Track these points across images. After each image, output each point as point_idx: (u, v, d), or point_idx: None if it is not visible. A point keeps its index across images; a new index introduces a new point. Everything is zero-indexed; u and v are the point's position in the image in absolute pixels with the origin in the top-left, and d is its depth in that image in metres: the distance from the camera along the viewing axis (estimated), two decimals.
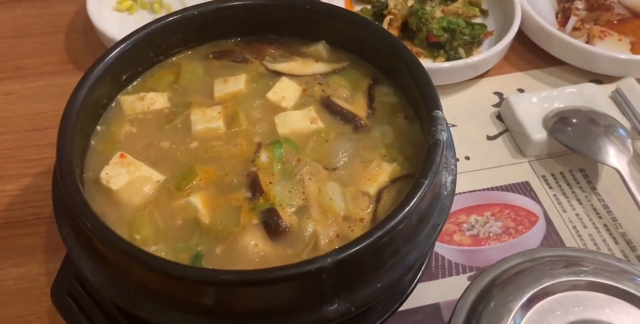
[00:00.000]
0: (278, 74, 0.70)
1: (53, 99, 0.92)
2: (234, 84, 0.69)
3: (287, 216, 0.58)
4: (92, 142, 0.65)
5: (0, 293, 0.71)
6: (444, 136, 0.58)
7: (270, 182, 0.61)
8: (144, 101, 0.67)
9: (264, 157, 0.63)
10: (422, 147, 0.62)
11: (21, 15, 1.06)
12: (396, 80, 0.69)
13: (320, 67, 0.71)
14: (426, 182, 0.54)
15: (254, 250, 0.56)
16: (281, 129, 0.65)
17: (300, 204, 0.59)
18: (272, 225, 0.57)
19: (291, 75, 0.70)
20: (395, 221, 0.51)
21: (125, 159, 0.62)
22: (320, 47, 0.72)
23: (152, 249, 0.56)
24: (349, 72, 0.71)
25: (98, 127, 0.66)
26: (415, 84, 0.63)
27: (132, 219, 0.58)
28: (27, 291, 0.71)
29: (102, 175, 0.60)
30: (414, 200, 0.52)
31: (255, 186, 0.60)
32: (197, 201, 0.59)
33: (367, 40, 0.69)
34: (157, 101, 0.68)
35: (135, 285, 0.53)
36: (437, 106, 0.60)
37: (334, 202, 0.59)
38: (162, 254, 0.55)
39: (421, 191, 0.53)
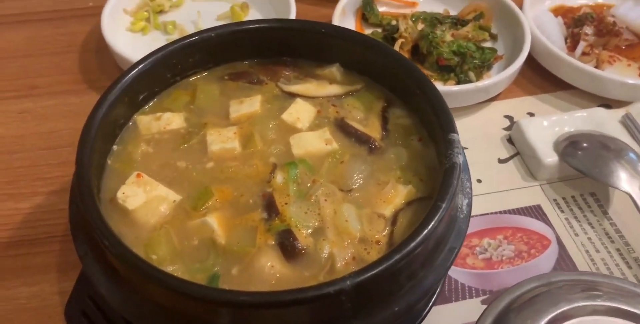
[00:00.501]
0: (293, 96, 0.71)
1: (66, 118, 0.93)
2: (250, 105, 0.70)
3: (303, 237, 0.58)
4: (109, 162, 0.65)
5: (12, 311, 0.70)
6: (460, 159, 0.58)
7: (286, 203, 0.61)
8: (160, 121, 0.68)
9: (279, 178, 0.63)
10: (437, 169, 0.63)
11: (35, 35, 1.07)
12: (410, 102, 0.69)
13: (334, 89, 0.72)
14: (444, 205, 0.54)
15: (270, 271, 0.56)
16: (296, 150, 0.66)
17: (316, 225, 0.59)
18: (288, 246, 0.57)
19: (306, 97, 0.71)
20: (414, 243, 0.51)
21: (142, 179, 0.62)
22: (334, 70, 0.73)
23: (169, 269, 0.56)
24: (363, 95, 0.72)
25: (114, 147, 0.66)
26: (430, 107, 0.63)
27: (148, 239, 0.59)
28: (40, 310, 0.70)
29: (119, 194, 0.61)
30: (432, 223, 0.53)
31: (271, 207, 0.61)
32: (213, 221, 0.59)
33: (381, 63, 0.70)
34: (174, 121, 0.68)
35: (153, 305, 0.53)
36: (453, 129, 0.60)
37: (350, 224, 0.59)
38: (179, 274, 0.55)
39: (439, 214, 0.53)
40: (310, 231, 0.59)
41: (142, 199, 0.61)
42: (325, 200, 0.61)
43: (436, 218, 0.53)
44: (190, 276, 0.55)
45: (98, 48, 1.05)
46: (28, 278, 0.73)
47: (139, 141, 0.67)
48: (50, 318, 0.69)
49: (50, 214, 0.80)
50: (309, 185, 0.63)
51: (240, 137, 0.67)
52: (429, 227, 0.52)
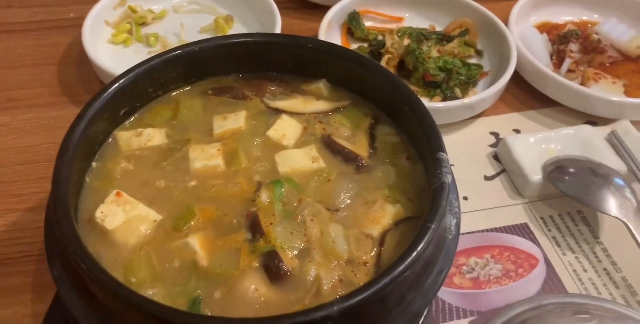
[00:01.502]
0: (278, 112, 0.70)
1: (44, 132, 0.91)
2: (234, 121, 0.68)
3: (289, 259, 0.57)
4: (87, 179, 0.63)
5: None
6: (449, 179, 0.57)
7: (271, 223, 0.59)
8: (141, 137, 0.66)
9: (264, 197, 0.61)
10: (425, 188, 0.62)
11: (14, 46, 1.05)
12: (398, 120, 0.69)
13: (321, 106, 0.71)
14: (432, 226, 0.53)
15: (255, 295, 0.54)
16: (282, 167, 0.64)
17: (302, 246, 0.58)
18: (273, 269, 0.56)
19: (292, 113, 0.69)
20: (402, 266, 0.50)
21: (122, 198, 0.60)
22: (321, 85, 0.72)
23: (149, 292, 0.54)
24: (350, 111, 0.71)
25: (93, 164, 0.64)
26: (419, 125, 0.62)
27: (127, 261, 0.57)
28: None
29: (97, 214, 0.58)
30: (421, 245, 0.51)
31: (255, 227, 0.59)
32: (195, 242, 0.58)
33: (369, 80, 0.69)
34: (155, 137, 0.66)
35: None
36: (441, 148, 0.59)
37: (337, 245, 0.58)
38: (159, 298, 0.53)
39: (428, 235, 0.52)
40: (296, 252, 0.57)
41: (122, 218, 0.59)
42: (312, 220, 0.60)
43: (425, 240, 0.52)
44: (170, 300, 0.53)
45: (79, 60, 1.03)
46: (1, 300, 0.70)
47: (119, 158, 0.65)
48: None
49: (26, 232, 0.77)
50: (295, 204, 0.61)
51: (224, 155, 0.65)
52: (418, 249, 0.51)
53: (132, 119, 0.69)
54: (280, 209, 0.60)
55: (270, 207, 0.61)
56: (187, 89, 0.72)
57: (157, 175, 0.64)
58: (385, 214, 0.61)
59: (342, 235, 0.59)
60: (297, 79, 0.73)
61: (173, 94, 0.71)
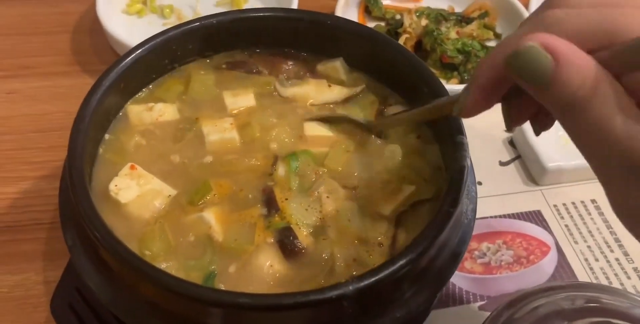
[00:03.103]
0: (289, 101, 0.68)
1: (57, 100, 0.90)
2: (245, 99, 0.67)
3: (303, 236, 0.57)
4: (101, 151, 0.62)
5: None
6: (468, 163, 0.57)
7: (287, 199, 0.59)
8: (152, 112, 0.65)
9: (281, 170, 0.61)
10: (441, 170, 0.62)
11: (28, 13, 1.03)
12: (413, 100, 0.67)
13: (334, 94, 0.69)
14: (450, 210, 0.52)
15: (269, 271, 0.54)
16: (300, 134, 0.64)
17: (317, 224, 0.58)
18: (288, 245, 0.55)
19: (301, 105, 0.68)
20: (419, 249, 0.49)
21: (136, 171, 0.60)
22: (338, 65, 0.70)
23: (163, 266, 0.54)
24: (365, 98, 0.69)
25: (106, 136, 0.64)
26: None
27: (141, 234, 0.56)
28: (24, 299, 0.68)
29: (111, 186, 0.58)
30: (438, 229, 0.51)
31: (270, 203, 0.59)
32: (211, 216, 0.57)
33: (388, 60, 0.67)
34: (166, 112, 0.65)
35: (144, 302, 0.51)
36: (461, 131, 0.59)
37: (352, 224, 0.57)
38: (173, 272, 0.52)
39: (445, 219, 0.52)
40: (311, 229, 0.57)
41: (136, 192, 0.58)
42: (328, 197, 0.59)
43: (442, 223, 0.51)
44: (185, 274, 0.53)
45: (92, 29, 1.01)
46: (12, 266, 0.70)
47: (133, 132, 0.64)
48: (35, 309, 0.67)
49: (38, 200, 0.77)
50: (312, 179, 0.60)
51: (238, 128, 0.64)
52: (435, 232, 0.51)
53: (143, 92, 0.68)
54: (296, 184, 0.60)
55: (286, 181, 0.60)
56: (201, 62, 0.70)
57: (171, 150, 0.63)
58: (400, 195, 0.60)
59: (358, 214, 0.58)
60: (314, 57, 0.71)
61: (186, 67, 0.70)
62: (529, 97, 0.39)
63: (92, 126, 0.58)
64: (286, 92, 0.68)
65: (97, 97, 0.60)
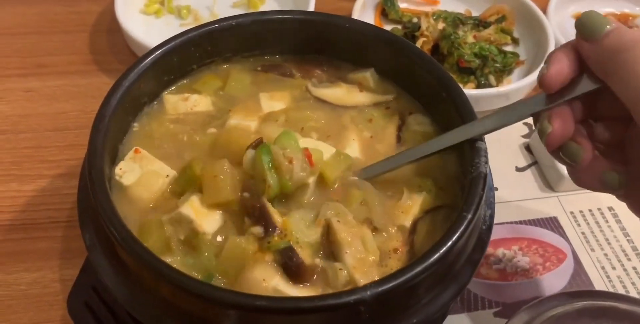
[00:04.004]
0: (319, 101, 0.68)
1: (74, 99, 0.90)
2: (279, 101, 0.68)
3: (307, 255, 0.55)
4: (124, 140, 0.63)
5: (13, 297, 0.68)
6: (486, 168, 0.56)
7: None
8: (187, 102, 0.67)
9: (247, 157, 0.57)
10: (457, 177, 0.61)
11: (46, 12, 1.04)
12: (435, 109, 0.67)
13: (364, 98, 0.69)
14: (469, 216, 0.52)
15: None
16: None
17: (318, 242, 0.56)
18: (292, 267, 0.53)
19: (334, 105, 0.68)
20: (437, 255, 0.49)
21: (139, 154, 0.61)
22: (368, 75, 0.70)
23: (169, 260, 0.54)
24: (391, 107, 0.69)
25: (135, 124, 0.65)
26: (457, 112, 0.61)
27: (139, 225, 0.56)
28: (41, 297, 0.68)
29: (116, 170, 0.59)
30: (457, 234, 0.51)
31: (265, 219, 0.55)
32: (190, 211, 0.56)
33: (414, 69, 0.66)
34: (200, 103, 0.67)
35: (161, 302, 0.51)
36: (480, 136, 0.58)
37: (369, 245, 0.56)
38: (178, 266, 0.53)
39: (464, 225, 0.51)
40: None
41: (138, 174, 0.59)
42: (338, 221, 0.56)
43: (461, 229, 0.51)
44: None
45: (109, 29, 1.02)
46: (29, 264, 0.71)
47: (164, 120, 0.65)
48: (51, 306, 0.68)
49: (54, 198, 0.77)
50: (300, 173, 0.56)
51: (260, 119, 0.65)
52: (454, 238, 0.50)
53: (179, 84, 0.69)
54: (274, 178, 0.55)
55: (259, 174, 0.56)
56: (235, 62, 0.71)
57: (194, 135, 0.64)
58: (414, 204, 0.59)
59: (371, 239, 0.56)
60: (346, 65, 0.71)
61: (224, 66, 0.71)
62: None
63: (112, 125, 0.58)
64: (318, 92, 0.69)
65: (117, 97, 0.60)
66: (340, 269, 0.53)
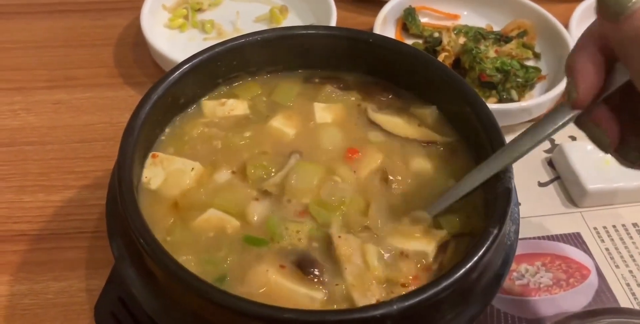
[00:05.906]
0: (374, 124, 0.68)
1: (101, 111, 0.92)
2: (333, 113, 0.68)
3: None
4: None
5: (40, 306, 0.69)
6: (512, 184, 0.56)
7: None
8: (224, 107, 0.68)
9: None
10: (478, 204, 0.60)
11: (74, 26, 1.07)
12: (461, 124, 0.67)
13: (420, 133, 0.67)
14: (495, 231, 0.52)
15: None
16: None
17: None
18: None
19: (386, 132, 0.67)
20: (463, 270, 0.49)
21: (158, 158, 0.62)
22: (429, 112, 0.68)
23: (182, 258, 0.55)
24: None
25: (167, 129, 0.67)
26: (483, 128, 0.62)
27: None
28: (67, 306, 0.69)
29: (143, 179, 0.61)
30: (483, 250, 0.51)
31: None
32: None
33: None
34: (237, 107, 0.68)
35: (189, 314, 0.51)
36: None
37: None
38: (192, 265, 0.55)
39: (489, 240, 0.52)
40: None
41: (163, 176, 0.61)
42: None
43: (487, 245, 0.51)
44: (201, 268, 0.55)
45: (135, 43, 1.04)
46: (57, 273, 0.72)
47: (198, 124, 0.67)
48: (78, 316, 0.68)
49: (81, 209, 0.79)
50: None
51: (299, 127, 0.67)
52: (480, 253, 0.51)
53: (220, 91, 0.71)
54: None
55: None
56: (291, 74, 0.72)
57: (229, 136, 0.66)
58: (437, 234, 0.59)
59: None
60: (411, 98, 0.70)
61: (268, 75, 0.72)
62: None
63: (142, 137, 0.60)
64: (375, 116, 0.68)
65: (145, 110, 0.61)
66: (336, 284, 0.54)
